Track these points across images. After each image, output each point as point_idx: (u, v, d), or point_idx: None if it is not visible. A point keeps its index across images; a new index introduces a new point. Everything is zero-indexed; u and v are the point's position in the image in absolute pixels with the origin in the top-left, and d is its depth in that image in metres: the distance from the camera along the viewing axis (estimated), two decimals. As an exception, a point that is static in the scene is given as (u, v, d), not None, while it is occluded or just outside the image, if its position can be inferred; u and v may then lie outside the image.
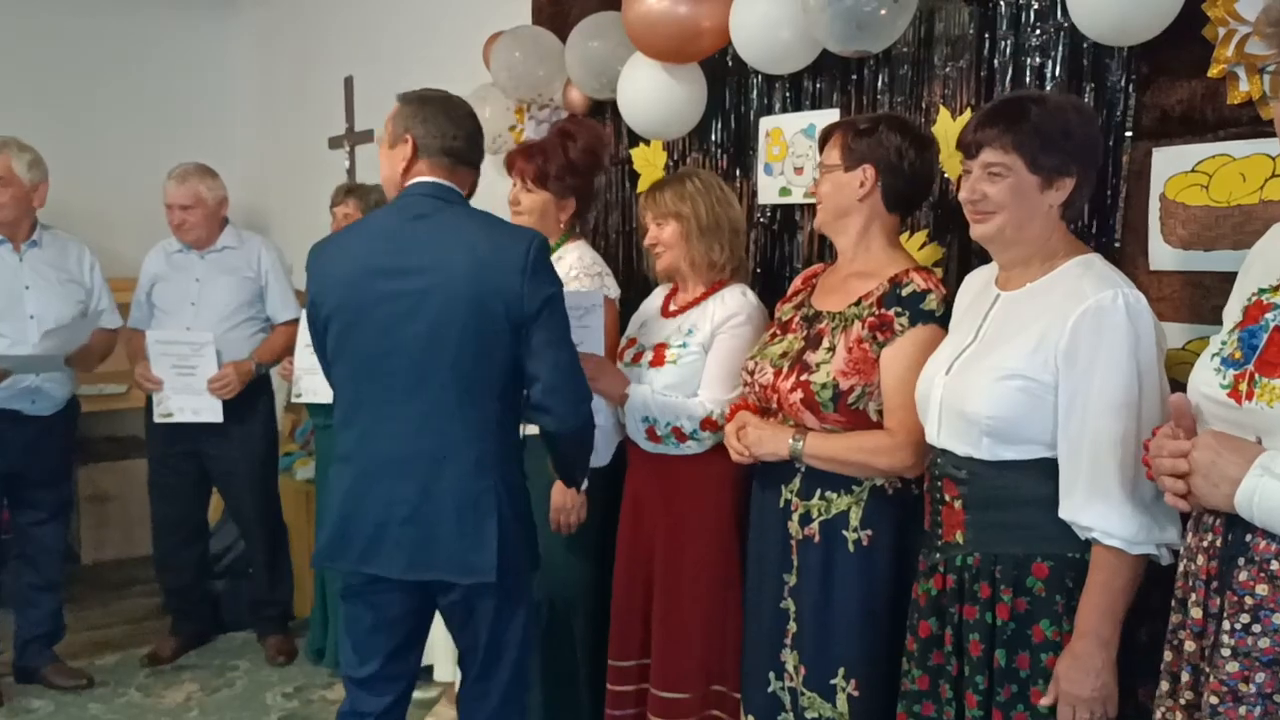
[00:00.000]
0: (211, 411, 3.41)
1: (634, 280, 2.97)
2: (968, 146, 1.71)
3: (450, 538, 1.99)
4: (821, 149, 2.07)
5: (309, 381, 3.23)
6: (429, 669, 3.15)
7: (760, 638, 2.09)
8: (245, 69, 5.29)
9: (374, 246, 2.04)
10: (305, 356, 3.27)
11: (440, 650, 3.07)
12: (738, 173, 2.74)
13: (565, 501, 2.52)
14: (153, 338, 3.42)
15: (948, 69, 2.24)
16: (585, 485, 2.50)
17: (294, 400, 3.43)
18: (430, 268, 1.98)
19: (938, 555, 1.76)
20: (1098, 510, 1.54)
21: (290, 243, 4.41)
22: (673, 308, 2.44)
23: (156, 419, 3.43)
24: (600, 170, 2.76)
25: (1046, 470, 1.61)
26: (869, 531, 1.94)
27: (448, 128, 2.09)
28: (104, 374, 4.26)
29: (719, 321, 2.32)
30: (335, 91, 4.52)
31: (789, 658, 2.03)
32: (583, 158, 2.60)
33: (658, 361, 2.34)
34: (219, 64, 5.28)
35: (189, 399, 3.40)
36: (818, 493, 1.98)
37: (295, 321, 3.45)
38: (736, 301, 2.34)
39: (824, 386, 1.93)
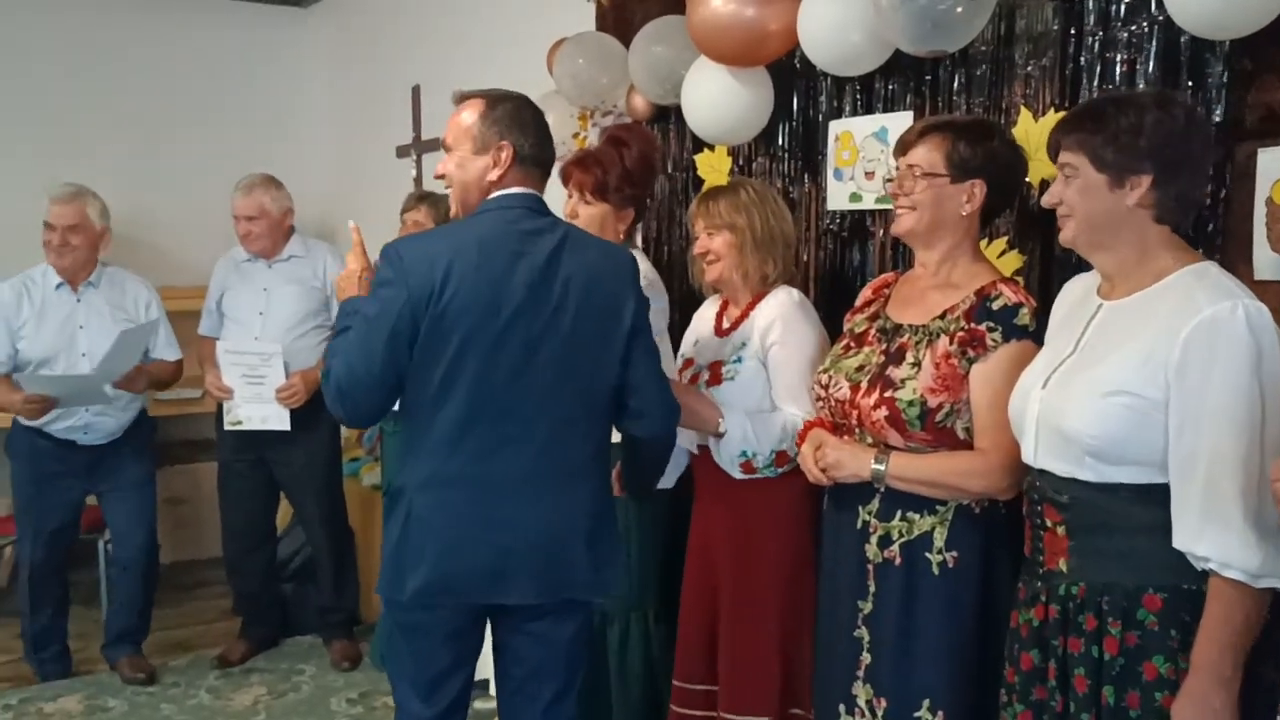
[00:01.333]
0: (279, 419, 3.38)
1: (696, 290, 2.87)
2: (1050, 150, 1.61)
3: (583, 557, 1.91)
4: (907, 148, 1.90)
5: None
6: (483, 681, 3.09)
7: (831, 668, 1.96)
8: (316, 79, 5.30)
9: (505, 259, 1.86)
10: None
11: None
12: (805, 178, 2.62)
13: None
14: (222, 348, 3.41)
15: (1029, 68, 2.10)
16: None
17: None
18: (562, 281, 1.88)
19: (1039, 583, 1.62)
20: (1215, 539, 1.39)
21: (357, 251, 4.38)
22: (725, 325, 2.33)
23: (226, 426, 3.43)
24: (655, 177, 2.65)
25: (1158, 495, 1.46)
26: (954, 553, 1.80)
27: (544, 136, 1.97)
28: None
29: (764, 328, 2.21)
30: (403, 100, 4.50)
31: (861, 691, 1.88)
32: (639, 165, 2.48)
33: (714, 380, 2.24)
34: (291, 74, 5.29)
35: (258, 407, 3.38)
36: (898, 513, 1.84)
37: None
38: (779, 303, 2.23)
39: (911, 404, 1.79)
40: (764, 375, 2.21)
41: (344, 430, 3.90)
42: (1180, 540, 1.44)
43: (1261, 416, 1.38)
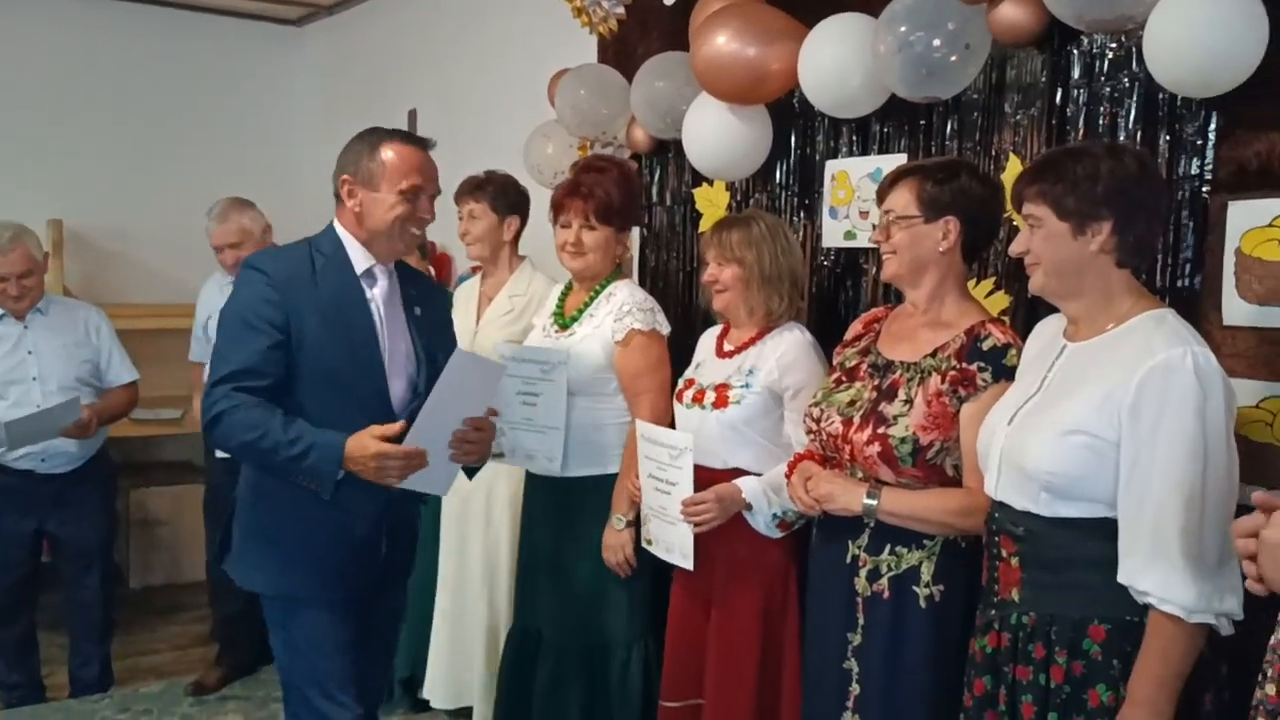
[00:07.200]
0: None
1: (690, 320, 3.03)
2: (1014, 203, 1.78)
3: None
4: (883, 196, 2.07)
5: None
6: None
7: (820, 699, 2.09)
8: (309, 99, 5.47)
9: None
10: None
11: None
12: (801, 215, 2.80)
13: (609, 539, 2.60)
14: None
15: (1019, 116, 2.28)
16: (624, 524, 2.56)
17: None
18: None
19: (993, 612, 1.77)
20: (1157, 575, 1.54)
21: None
22: (728, 347, 2.47)
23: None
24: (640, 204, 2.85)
25: (1107, 530, 1.61)
26: (941, 587, 1.94)
27: None
28: (158, 399, 4.41)
29: (782, 366, 2.34)
30: (398, 124, 4.63)
31: None
32: (629, 192, 2.72)
33: (721, 403, 2.37)
34: (283, 92, 5.47)
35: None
36: (887, 548, 1.98)
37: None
38: (795, 344, 2.37)
39: (903, 440, 1.93)
40: (775, 409, 2.36)
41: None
42: (1125, 574, 1.58)
43: (1204, 459, 1.53)
